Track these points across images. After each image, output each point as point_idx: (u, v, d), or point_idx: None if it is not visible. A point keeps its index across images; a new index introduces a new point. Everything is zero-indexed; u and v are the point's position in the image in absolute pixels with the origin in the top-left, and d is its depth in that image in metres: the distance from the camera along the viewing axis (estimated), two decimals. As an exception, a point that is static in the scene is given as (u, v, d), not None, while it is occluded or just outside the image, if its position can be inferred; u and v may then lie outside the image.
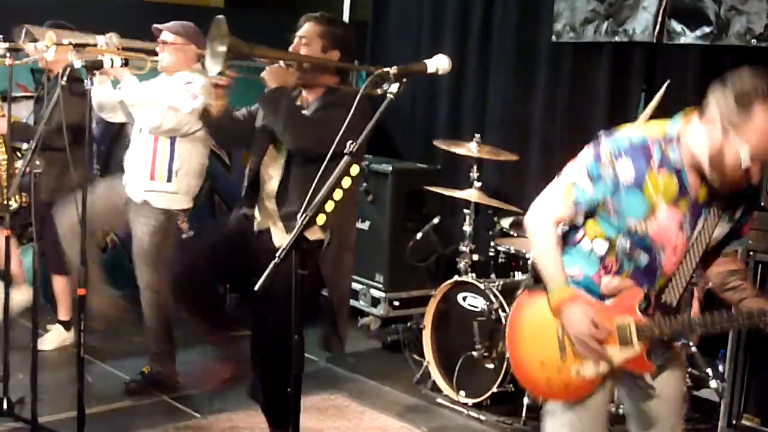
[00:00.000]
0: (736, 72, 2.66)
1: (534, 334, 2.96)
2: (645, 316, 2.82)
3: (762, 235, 4.08)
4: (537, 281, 2.94)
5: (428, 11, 6.83)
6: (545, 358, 2.90)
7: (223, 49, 3.39)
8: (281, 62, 3.66)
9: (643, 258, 2.81)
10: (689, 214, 2.78)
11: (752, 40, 5.00)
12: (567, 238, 2.96)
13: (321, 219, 2.65)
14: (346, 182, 2.66)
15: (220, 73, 3.61)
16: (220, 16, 3.42)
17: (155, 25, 4.77)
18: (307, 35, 3.76)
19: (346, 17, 7.44)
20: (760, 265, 4.11)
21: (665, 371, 2.95)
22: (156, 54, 4.78)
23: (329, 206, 2.64)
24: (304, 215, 2.61)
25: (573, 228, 2.94)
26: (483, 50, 6.43)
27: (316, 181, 2.68)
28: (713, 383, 4.78)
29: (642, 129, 2.83)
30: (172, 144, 4.74)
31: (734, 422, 4.21)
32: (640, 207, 2.75)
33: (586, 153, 2.81)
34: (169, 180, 4.76)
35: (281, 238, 3.72)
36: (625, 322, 2.80)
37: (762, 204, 2.95)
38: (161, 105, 4.61)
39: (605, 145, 2.76)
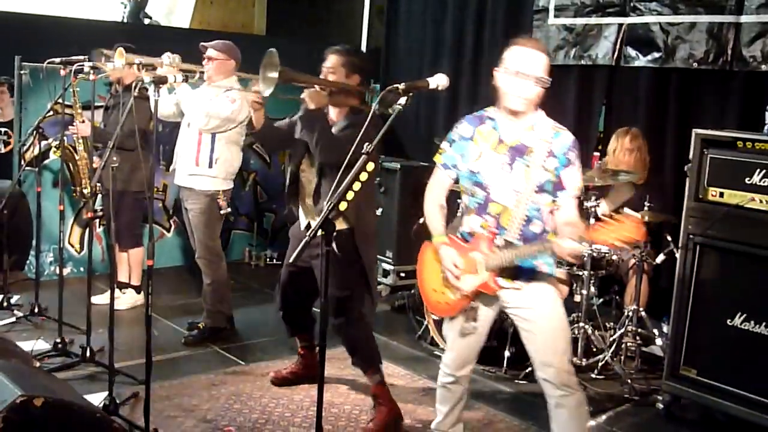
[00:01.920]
0: None
1: (429, 270, 3.27)
2: (492, 251, 3.04)
3: (699, 221, 4.05)
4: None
5: (430, 38, 6.80)
6: (435, 286, 3.23)
7: (274, 75, 3.40)
8: (317, 87, 3.66)
9: (479, 193, 3.10)
10: (507, 156, 3.06)
11: (694, 64, 4.97)
12: None
13: (343, 205, 2.68)
14: (363, 176, 2.70)
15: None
16: (273, 50, 3.42)
17: (202, 43, 4.80)
18: (332, 65, 3.77)
19: (363, 44, 7.42)
20: (697, 246, 4.07)
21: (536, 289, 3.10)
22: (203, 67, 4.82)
23: (350, 195, 2.67)
24: (329, 202, 2.63)
25: None
26: (474, 69, 6.40)
27: (339, 175, 2.69)
28: (659, 341, 4.79)
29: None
30: (213, 138, 4.77)
31: (675, 373, 4.18)
32: (473, 153, 3.12)
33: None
34: (210, 166, 4.79)
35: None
36: (476, 257, 3.06)
37: (573, 164, 3.03)
38: (206, 108, 4.67)
39: (458, 121, 3.22)
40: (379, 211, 6.17)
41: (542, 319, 3.09)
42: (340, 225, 2.86)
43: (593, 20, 5.49)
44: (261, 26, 8.57)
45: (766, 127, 4.11)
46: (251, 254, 7.08)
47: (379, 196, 6.17)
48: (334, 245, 2.66)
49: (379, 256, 6.13)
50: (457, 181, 3.22)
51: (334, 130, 3.72)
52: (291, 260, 2.79)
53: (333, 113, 3.83)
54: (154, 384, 3.59)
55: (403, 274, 6.11)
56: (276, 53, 3.40)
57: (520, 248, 3.01)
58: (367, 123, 2.84)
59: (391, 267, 6.10)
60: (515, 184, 3.05)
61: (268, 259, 7.05)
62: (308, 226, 3.88)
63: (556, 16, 5.73)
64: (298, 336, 4.36)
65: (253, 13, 8.69)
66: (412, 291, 5.77)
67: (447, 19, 6.65)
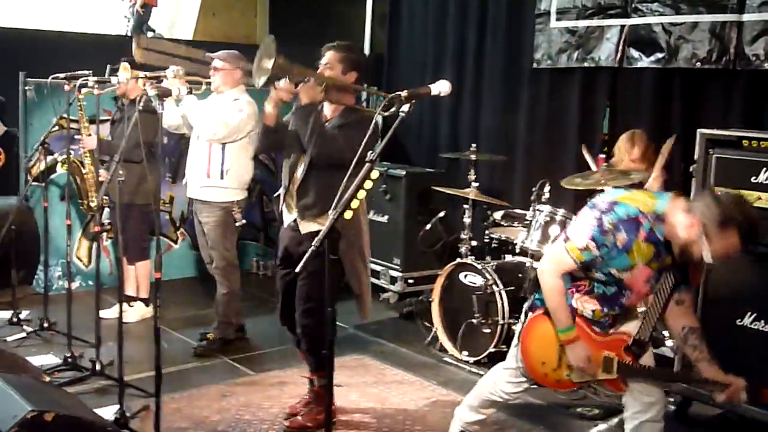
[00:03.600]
0: (725, 194, 2.92)
1: (542, 344, 3.19)
2: (627, 356, 3.09)
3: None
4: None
5: (432, 45, 6.79)
6: (546, 360, 3.19)
7: (269, 65, 3.34)
8: (312, 80, 3.62)
9: (612, 289, 3.05)
10: (656, 272, 3.01)
11: (697, 63, 4.95)
12: None
13: (348, 214, 2.65)
14: (368, 185, 2.67)
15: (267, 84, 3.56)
16: (270, 36, 3.38)
17: (207, 54, 4.81)
18: (329, 61, 3.72)
19: (366, 52, 7.42)
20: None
21: None
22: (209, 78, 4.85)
23: (355, 204, 2.65)
24: (335, 211, 2.62)
25: None
26: (476, 75, 6.40)
27: (343, 183, 2.68)
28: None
29: (636, 202, 2.96)
30: (223, 149, 4.78)
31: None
32: (624, 264, 2.98)
33: (591, 221, 2.96)
34: (221, 178, 4.80)
35: (306, 227, 3.74)
36: (611, 358, 3.08)
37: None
38: (214, 118, 4.68)
39: (607, 217, 2.93)
40: (385, 218, 6.19)
41: None
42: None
43: (595, 22, 5.48)
44: (263, 37, 8.60)
45: (769, 125, 4.10)
46: (259, 264, 7.09)
47: (385, 203, 6.17)
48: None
49: (386, 263, 6.16)
50: None
51: (327, 126, 3.68)
52: (298, 269, 2.75)
53: (328, 110, 3.78)
54: (164, 396, 3.60)
55: (410, 281, 6.10)
56: (273, 42, 3.34)
57: (668, 372, 3.34)
58: (370, 132, 2.87)
59: (399, 274, 6.09)
60: (655, 294, 3.06)
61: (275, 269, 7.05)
62: (293, 224, 3.82)
63: (558, 19, 5.72)
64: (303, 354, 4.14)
65: (255, 24, 8.71)
66: (420, 297, 5.78)
67: (449, 25, 6.65)
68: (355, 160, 2.74)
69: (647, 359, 3.17)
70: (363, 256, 3.87)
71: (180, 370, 4.66)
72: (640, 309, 3.20)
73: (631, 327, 3.17)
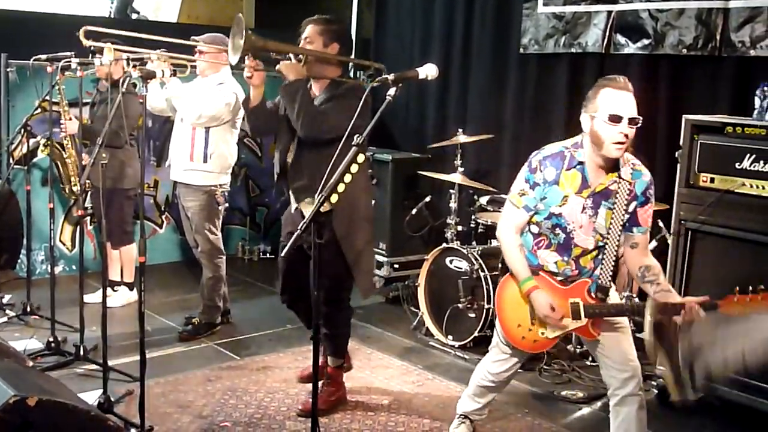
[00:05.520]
0: None
1: (513, 306, 3.25)
2: (592, 299, 3.14)
3: (690, 207, 4.07)
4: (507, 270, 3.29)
5: (420, 28, 6.76)
6: (521, 322, 3.23)
7: (241, 42, 3.31)
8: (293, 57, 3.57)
9: (561, 235, 3.15)
10: (591, 200, 3.08)
11: (683, 50, 4.96)
12: None
13: (334, 198, 2.65)
14: (354, 168, 2.66)
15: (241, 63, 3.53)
16: (240, 15, 3.34)
17: (192, 37, 4.76)
18: (309, 35, 3.66)
19: (353, 35, 7.38)
20: (689, 232, 4.09)
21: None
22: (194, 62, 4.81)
23: (341, 188, 2.64)
24: (321, 196, 2.61)
25: None
26: (464, 60, 6.38)
27: (330, 166, 2.66)
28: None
29: (561, 142, 3.17)
30: (207, 132, 4.75)
31: (669, 358, 4.20)
32: (558, 196, 3.10)
33: (524, 170, 3.18)
34: (205, 161, 4.77)
35: (307, 210, 3.70)
36: (576, 302, 3.13)
37: (651, 201, 3.12)
38: (199, 102, 4.65)
39: (535, 158, 3.14)
40: (371, 203, 6.16)
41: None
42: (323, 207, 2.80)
43: (582, 8, 5.47)
44: (250, 19, 8.52)
45: (755, 112, 4.11)
46: (244, 249, 7.07)
47: (372, 187, 6.15)
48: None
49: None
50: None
51: (315, 102, 3.63)
52: (283, 254, 2.74)
53: (315, 86, 3.72)
54: (148, 381, 3.59)
55: (396, 266, 6.10)
56: (242, 19, 3.31)
57: (631, 305, 3.35)
58: (362, 101, 2.87)
59: (385, 258, 6.09)
60: (599, 227, 3.11)
61: (261, 254, 7.05)
62: (298, 209, 3.80)
63: (545, 4, 5.70)
64: None
65: (241, 7, 8.64)
66: (407, 282, 5.79)
67: (436, 9, 6.61)
68: (348, 129, 2.72)
69: (617, 332, 3.22)
70: (367, 230, 3.83)
71: (165, 355, 4.64)
72: (598, 255, 3.19)
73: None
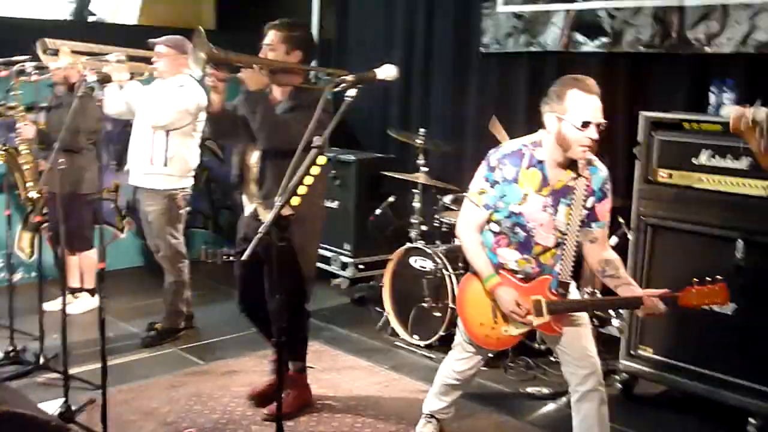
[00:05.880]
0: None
1: (475, 304, 3.25)
2: (553, 296, 3.14)
3: (650, 203, 4.12)
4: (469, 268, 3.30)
5: (382, 28, 6.76)
6: (484, 320, 3.24)
7: (202, 55, 3.32)
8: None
9: (521, 233, 3.16)
10: (550, 198, 3.09)
11: (641, 48, 5.02)
12: None
13: (296, 200, 2.63)
14: (315, 170, 2.65)
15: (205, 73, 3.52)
16: (200, 28, 3.33)
17: (150, 40, 4.72)
18: (272, 42, 3.62)
19: (315, 36, 7.35)
20: (649, 227, 4.15)
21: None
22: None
23: (302, 190, 2.63)
24: (281, 198, 2.60)
25: None
26: (426, 60, 6.40)
27: (290, 169, 2.65)
28: (615, 322, 4.84)
29: (519, 140, 3.17)
30: (167, 135, 4.70)
31: (632, 352, 4.26)
32: (518, 195, 3.11)
33: (482, 168, 3.17)
34: (165, 165, 4.72)
35: (266, 216, 3.67)
36: (539, 299, 3.13)
37: (608, 196, 3.15)
38: (158, 105, 4.61)
39: (494, 156, 3.14)
40: (335, 204, 6.18)
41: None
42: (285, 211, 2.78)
43: (541, 7, 5.52)
44: (211, 21, 8.46)
45: (710, 108, 4.18)
46: (208, 252, 7.02)
47: (336, 188, 6.15)
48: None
49: (337, 249, 6.15)
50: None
51: (278, 110, 3.61)
52: (245, 258, 2.72)
53: (277, 92, 3.69)
54: (111, 388, 3.54)
55: (362, 266, 6.11)
56: (202, 33, 3.31)
57: (592, 300, 3.40)
58: (319, 110, 2.82)
59: (350, 259, 6.09)
60: (559, 225, 3.13)
61: (224, 257, 7.00)
62: (254, 212, 3.78)
63: (505, 4, 5.74)
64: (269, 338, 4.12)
65: (201, 8, 8.57)
66: (372, 282, 5.79)
67: (397, 9, 6.63)
68: (304, 139, 2.70)
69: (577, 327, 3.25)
70: (317, 244, 3.87)
71: (128, 362, 4.59)
72: (558, 252, 3.21)
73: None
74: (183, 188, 4.84)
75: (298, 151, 2.68)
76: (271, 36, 3.64)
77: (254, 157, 3.71)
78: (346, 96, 2.78)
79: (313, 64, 4.82)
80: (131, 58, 4.71)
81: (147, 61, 4.79)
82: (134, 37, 4.87)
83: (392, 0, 6.66)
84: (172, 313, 4.95)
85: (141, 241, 6.52)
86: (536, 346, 4.70)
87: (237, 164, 3.81)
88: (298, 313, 3.88)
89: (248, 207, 3.85)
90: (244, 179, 3.79)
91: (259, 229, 2.59)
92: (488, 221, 3.21)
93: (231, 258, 6.85)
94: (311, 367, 4.18)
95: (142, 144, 4.77)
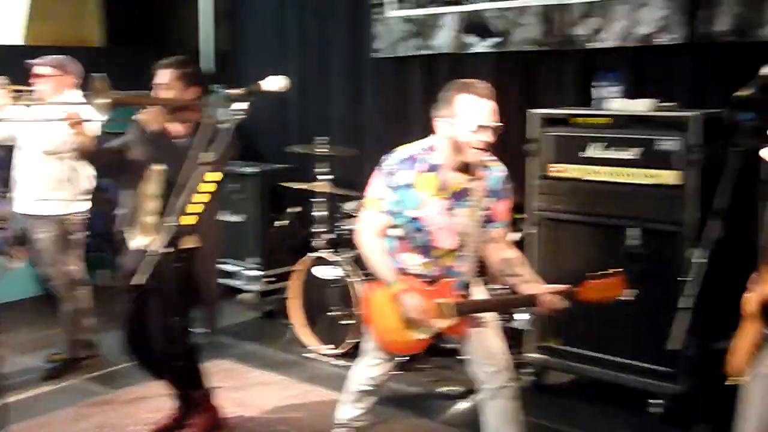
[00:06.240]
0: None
1: (381, 311, 3.24)
2: (458, 297, 3.17)
3: (545, 197, 4.24)
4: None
5: (275, 39, 6.72)
6: (391, 326, 3.22)
7: (107, 101, 3.23)
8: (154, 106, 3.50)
9: (422, 237, 3.15)
10: (449, 202, 3.12)
11: (529, 46, 5.15)
12: None
13: (192, 219, 2.60)
14: (211, 188, 2.62)
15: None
16: (101, 75, 3.24)
17: (27, 61, 4.53)
18: (167, 81, 3.56)
19: (211, 47, 7.26)
20: (546, 222, 4.27)
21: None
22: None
23: (198, 209, 2.60)
24: (177, 217, 2.56)
25: None
26: (321, 68, 6.39)
27: (185, 189, 2.61)
28: (524, 315, 4.94)
29: (411, 145, 3.19)
30: (58, 159, 4.53)
31: (541, 344, 4.36)
32: (416, 200, 3.12)
33: (379, 174, 3.18)
34: (57, 189, 4.56)
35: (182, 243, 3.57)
36: (444, 302, 3.14)
37: (507, 196, 3.23)
38: (47, 129, 4.43)
39: (388, 162, 3.16)
40: (239, 218, 6.10)
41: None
42: (187, 243, 2.72)
43: (431, 10, 5.59)
44: (99, 38, 8.23)
45: (593, 102, 4.33)
46: (111, 276, 6.81)
47: (239, 202, 6.07)
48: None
49: (243, 264, 6.08)
50: None
51: (186, 144, 3.51)
52: (135, 281, 2.64)
53: (180, 128, 3.60)
54: (12, 426, 3.45)
55: (269, 279, 6.04)
56: (103, 78, 3.22)
57: (497, 300, 3.40)
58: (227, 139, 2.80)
59: (257, 273, 6.02)
60: (459, 227, 3.14)
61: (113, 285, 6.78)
62: (150, 246, 3.66)
63: (395, 8, 5.80)
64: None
65: (88, 26, 8.33)
66: (280, 295, 5.74)
67: (290, 18, 6.60)
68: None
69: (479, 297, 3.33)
70: (215, 258, 3.81)
71: (29, 397, 4.40)
72: (460, 254, 3.25)
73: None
74: (77, 212, 4.68)
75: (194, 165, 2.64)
76: (165, 75, 3.56)
77: (156, 190, 3.59)
78: (237, 110, 2.75)
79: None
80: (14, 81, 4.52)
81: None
82: (19, 58, 4.66)
83: (284, 8, 6.63)
84: (73, 342, 4.78)
85: (37, 269, 6.28)
86: (448, 345, 4.74)
87: (132, 198, 3.65)
88: (190, 338, 3.80)
89: (140, 241, 3.66)
90: (139, 212, 3.65)
91: (155, 250, 2.53)
92: (388, 227, 3.22)
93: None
94: (218, 387, 4.09)
95: (30, 169, 4.59)
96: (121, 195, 3.73)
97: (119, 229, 3.76)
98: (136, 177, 3.61)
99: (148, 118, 3.45)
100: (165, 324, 3.41)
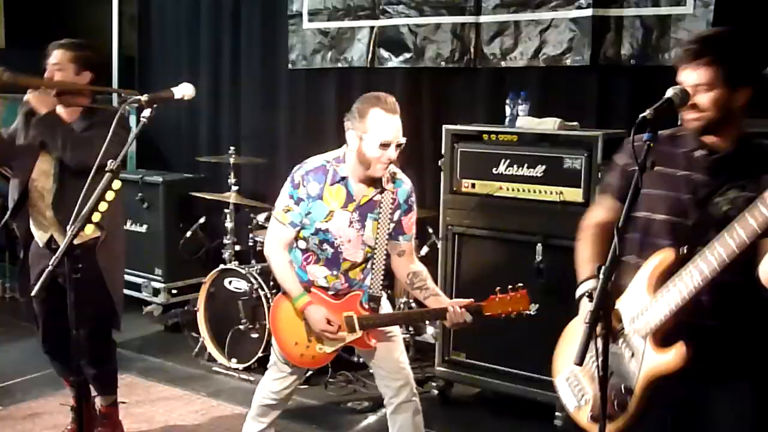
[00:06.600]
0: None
1: (288, 324, 3.22)
2: (365, 311, 3.18)
3: (456, 212, 4.29)
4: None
5: (186, 46, 6.60)
6: (298, 340, 3.21)
7: None
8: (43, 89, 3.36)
9: (329, 250, 3.15)
10: (357, 214, 3.12)
11: (442, 63, 5.23)
12: None
13: (90, 228, 2.52)
14: (110, 195, 2.54)
15: None
16: None
17: None
18: (59, 62, 3.44)
19: (115, 53, 7.09)
20: (456, 236, 4.32)
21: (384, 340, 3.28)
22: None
23: (96, 217, 2.51)
24: (73, 227, 2.47)
25: None
26: (234, 77, 6.32)
27: (82, 195, 2.53)
28: (429, 329, 5.01)
29: (323, 156, 3.18)
30: None
31: (446, 358, 4.40)
32: (323, 212, 3.11)
33: (287, 185, 3.15)
34: None
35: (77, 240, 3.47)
36: (350, 315, 3.14)
37: (413, 209, 3.24)
38: None
39: (297, 173, 3.12)
40: (143, 228, 5.95)
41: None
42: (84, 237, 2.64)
43: (346, 23, 5.62)
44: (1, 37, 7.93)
45: (507, 120, 4.42)
46: (4, 286, 6.53)
47: (143, 212, 5.93)
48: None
49: (148, 275, 5.92)
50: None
51: (76, 129, 3.44)
52: (35, 293, 2.54)
53: (64, 113, 3.48)
54: None
55: (174, 291, 5.91)
56: None
57: (402, 314, 3.36)
58: (113, 129, 2.70)
59: (162, 285, 5.88)
60: (367, 240, 3.14)
61: (12, 293, 6.50)
62: (50, 240, 3.54)
63: (310, 21, 5.80)
64: (68, 381, 3.86)
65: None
66: (186, 308, 5.63)
67: (202, 25, 6.50)
68: (100, 157, 2.60)
69: (386, 311, 3.33)
70: (122, 267, 3.72)
71: None
72: (367, 267, 3.27)
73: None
74: None
75: (92, 173, 2.55)
76: (58, 56, 3.45)
77: (47, 181, 3.49)
78: (142, 117, 2.68)
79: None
80: None
81: None
82: None
83: (196, 16, 6.53)
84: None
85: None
86: (355, 359, 4.75)
87: (19, 188, 3.53)
88: (105, 344, 3.71)
89: (43, 236, 3.60)
90: (33, 206, 3.55)
91: (50, 261, 2.44)
92: (296, 238, 3.20)
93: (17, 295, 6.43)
94: (123, 402, 3.98)
95: None
96: (11, 185, 3.59)
97: (12, 222, 3.61)
98: (27, 165, 3.49)
99: (37, 99, 3.33)
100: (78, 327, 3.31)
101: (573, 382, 2.54)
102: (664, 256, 2.32)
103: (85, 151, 3.31)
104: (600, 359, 2.05)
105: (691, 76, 2.25)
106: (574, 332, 2.62)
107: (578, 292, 2.49)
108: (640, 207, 2.40)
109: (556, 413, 4.04)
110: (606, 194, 2.62)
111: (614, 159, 2.62)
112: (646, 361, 2.29)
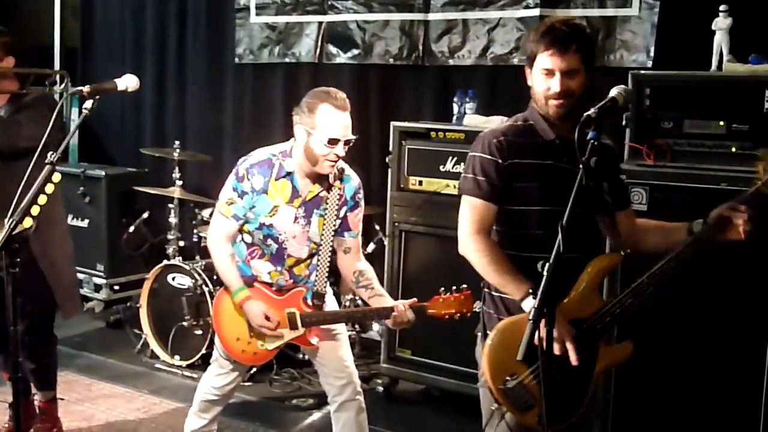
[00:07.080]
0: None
1: (230, 320, 3.19)
2: (308, 308, 3.16)
3: (403, 209, 4.31)
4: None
5: (130, 37, 6.49)
6: (239, 335, 3.18)
7: None
8: None
9: (273, 245, 3.13)
10: (302, 210, 3.10)
11: (390, 59, 5.25)
12: None
13: (28, 222, 2.46)
14: (50, 188, 2.49)
15: None
16: None
17: None
18: None
19: (57, 44, 6.92)
20: (403, 233, 4.33)
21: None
22: None
23: (35, 210, 2.46)
24: (11, 220, 2.41)
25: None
26: (179, 70, 6.24)
27: (21, 187, 2.47)
28: (375, 326, 5.02)
29: (269, 148, 3.13)
30: None
31: (392, 355, 4.42)
32: (267, 206, 3.08)
33: (231, 178, 3.11)
34: None
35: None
36: (293, 312, 3.12)
37: (360, 206, 3.22)
38: None
39: (242, 166, 3.08)
40: (85, 223, 5.84)
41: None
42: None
43: (294, 18, 5.59)
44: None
45: (454, 118, 4.45)
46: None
47: (85, 206, 5.81)
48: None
49: (89, 270, 5.81)
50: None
51: (1, 114, 3.39)
52: None
53: None
54: None
55: (117, 287, 5.80)
56: None
57: (345, 312, 3.32)
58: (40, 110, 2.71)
59: (104, 281, 5.77)
60: (313, 236, 3.11)
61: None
62: None
63: (257, 14, 5.75)
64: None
65: None
66: (128, 304, 5.54)
67: (147, 18, 6.39)
68: (44, 139, 2.56)
69: (330, 308, 3.32)
70: (67, 251, 3.68)
71: None
72: (312, 263, 3.25)
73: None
74: None
75: (32, 163, 2.50)
76: None
77: None
78: (84, 108, 2.62)
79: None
80: None
81: None
82: None
83: (141, 8, 6.42)
84: None
85: None
86: (300, 356, 4.73)
87: None
88: (45, 337, 3.64)
89: None
90: None
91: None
92: (241, 232, 3.17)
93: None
94: (61, 399, 3.89)
95: None
96: None
97: None
98: None
99: None
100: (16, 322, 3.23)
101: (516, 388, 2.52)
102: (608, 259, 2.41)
103: (12, 134, 3.29)
104: (543, 358, 2.07)
105: (560, 62, 2.37)
106: (511, 333, 2.55)
107: (526, 306, 2.41)
108: (513, 202, 2.49)
109: (500, 410, 4.07)
110: (478, 198, 2.58)
111: (480, 161, 2.57)
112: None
